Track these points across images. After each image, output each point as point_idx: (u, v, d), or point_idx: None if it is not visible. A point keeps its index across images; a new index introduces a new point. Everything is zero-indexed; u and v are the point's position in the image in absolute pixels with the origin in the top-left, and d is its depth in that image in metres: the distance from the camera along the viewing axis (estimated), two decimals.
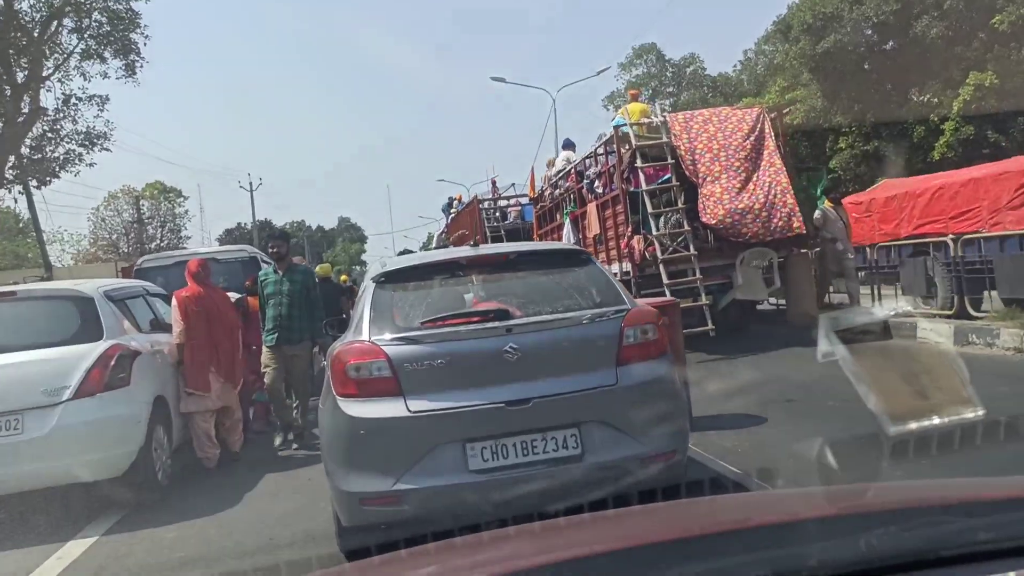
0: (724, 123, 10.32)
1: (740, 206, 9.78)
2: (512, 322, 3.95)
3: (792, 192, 10.01)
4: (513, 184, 19.11)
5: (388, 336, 3.92)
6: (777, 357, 9.05)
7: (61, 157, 16.82)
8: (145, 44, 17.18)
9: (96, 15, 16.41)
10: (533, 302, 4.22)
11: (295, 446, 6.97)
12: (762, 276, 10.56)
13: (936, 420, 2.61)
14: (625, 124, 10.69)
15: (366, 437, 3.75)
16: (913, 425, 2.61)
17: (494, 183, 20.03)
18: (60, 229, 42.17)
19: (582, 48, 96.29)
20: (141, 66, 17.18)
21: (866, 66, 24.52)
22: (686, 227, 10.00)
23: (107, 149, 16.81)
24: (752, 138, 10.12)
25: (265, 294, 6.97)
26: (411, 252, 13.03)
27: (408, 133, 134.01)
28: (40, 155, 16.74)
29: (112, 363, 5.33)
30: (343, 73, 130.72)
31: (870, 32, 23.96)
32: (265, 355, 7.00)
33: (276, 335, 6.86)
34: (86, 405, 5.13)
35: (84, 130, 16.82)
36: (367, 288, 4.34)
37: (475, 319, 4.00)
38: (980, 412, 2.49)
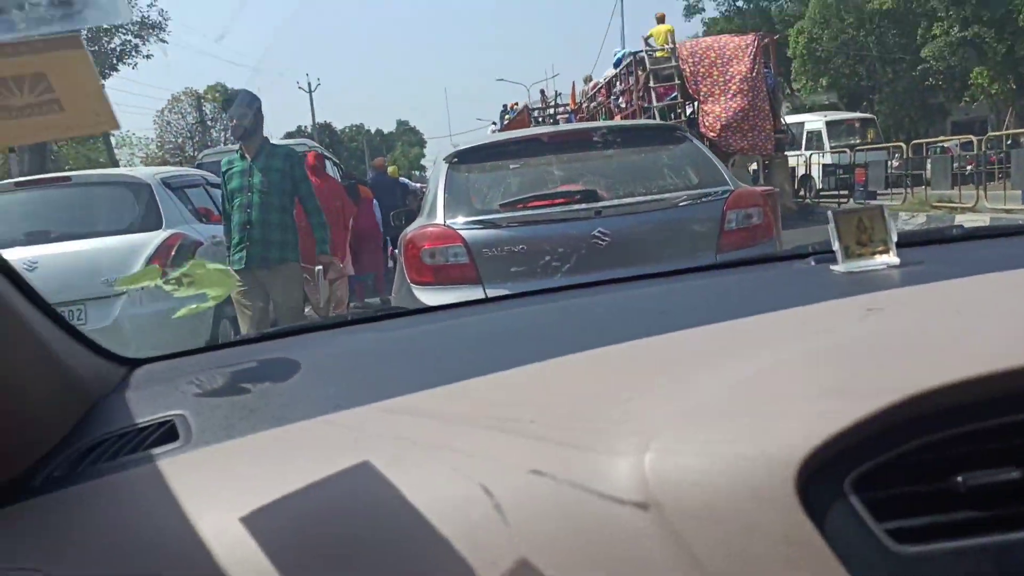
0: (723, 50, 12.13)
1: (732, 125, 11.74)
2: (601, 204, 3.56)
3: (771, 117, 12.06)
4: (559, 93, 21.68)
5: (464, 220, 3.56)
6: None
7: (117, 48, 16.53)
8: None
9: None
10: (624, 183, 3.80)
11: None
12: (749, 175, 12.70)
13: None
14: (628, 54, 13.73)
15: None
16: None
17: (543, 93, 22.73)
18: (128, 133, 42.59)
19: None
20: None
21: None
22: None
23: (163, 40, 16.48)
24: (745, 64, 11.91)
25: (228, 190, 4.64)
26: None
27: (468, 31, 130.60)
28: (96, 47, 16.45)
29: (173, 253, 5.08)
30: None
31: None
32: (236, 290, 4.48)
33: (244, 252, 4.51)
34: (148, 295, 4.92)
35: (138, 19, 16.44)
36: (440, 169, 3.95)
37: (560, 201, 3.60)
38: None
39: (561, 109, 19.84)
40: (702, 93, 12.05)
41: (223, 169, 4.71)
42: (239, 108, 4.56)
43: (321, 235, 4.78)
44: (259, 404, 0.94)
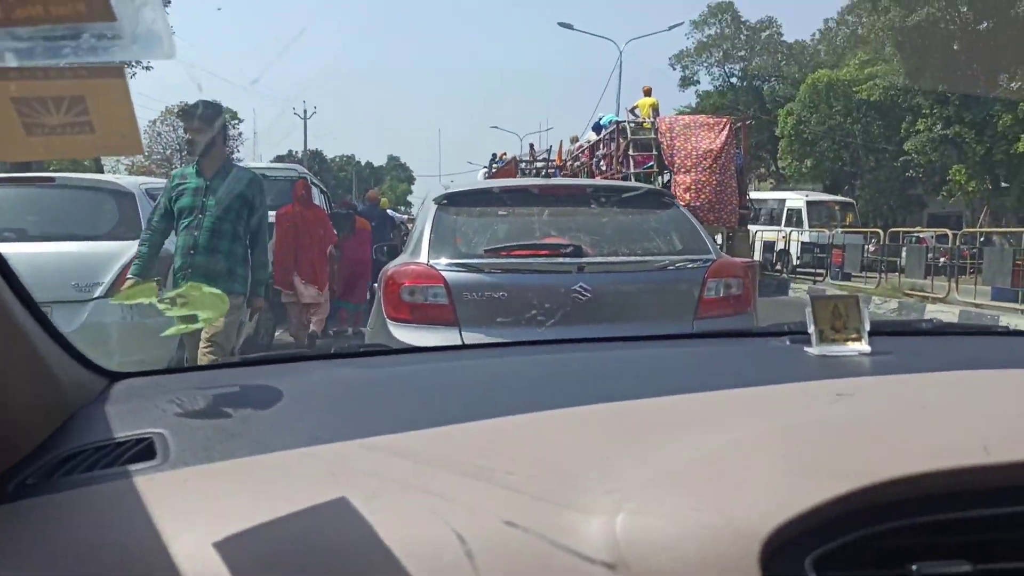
0: (699, 129, 12.98)
1: (701, 197, 12.43)
2: (585, 260, 3.59)
3: (737, 194, 12.83)
4: (549, 147, 21.97)
5: (447, 261, 3.58)
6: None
7: (118, 60, 16.55)
8: None
9: None
10: (609, 241, 3.86)
11: None
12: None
13: None
14: (612, 121, 14.58)
15: None
16: None
17: (532, 146, 23.58)
18: None
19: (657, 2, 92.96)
20: None
21: (955, 46, 23.23)
22: None
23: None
24: (717, 144, 12.68)
25: (177, 208, 4.08)
26: None
27: (465, 75, 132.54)
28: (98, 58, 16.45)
29: None
30: (406, 10, 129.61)
31: (965, 9, 22.63)
32: None
33: (184, 280, 4.00)
34: (117, 305, 4.86)
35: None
36: (428, 209, 3.98)
37: (544, 252, 3.64)
38: None
39: (549, 164, 20.44)
40: (676, 165, 12.83)
41: (173, 182, 4.18)
42: (196, 120, 4.00)
43: (260, 276, 4.27)
44: (239, 429, 0.95)
